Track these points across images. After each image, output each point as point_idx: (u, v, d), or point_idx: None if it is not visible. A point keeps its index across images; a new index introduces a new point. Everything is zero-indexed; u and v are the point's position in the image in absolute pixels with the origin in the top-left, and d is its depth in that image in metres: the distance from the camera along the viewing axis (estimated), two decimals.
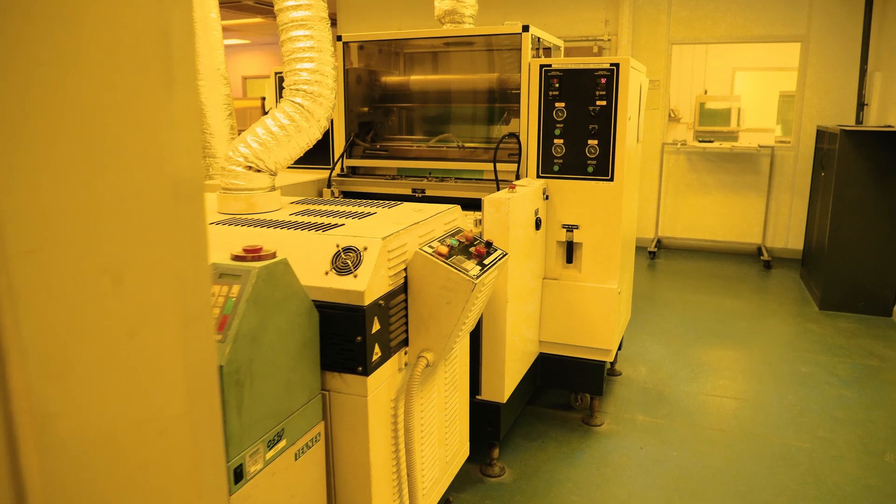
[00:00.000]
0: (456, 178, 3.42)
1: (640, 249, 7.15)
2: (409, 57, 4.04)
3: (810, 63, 6.57)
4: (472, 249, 1.94)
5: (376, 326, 1.68)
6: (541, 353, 3.35)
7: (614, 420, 3.43)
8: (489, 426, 2.86)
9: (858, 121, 6.33)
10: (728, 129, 9.41)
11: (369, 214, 2.05)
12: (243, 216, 2.06)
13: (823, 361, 4.20)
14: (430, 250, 1.80)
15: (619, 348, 3.96)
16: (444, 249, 1.81)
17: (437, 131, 3.75)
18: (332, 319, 1.65)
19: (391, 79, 3.78)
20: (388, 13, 7.99)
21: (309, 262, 1.71)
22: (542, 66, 3.09)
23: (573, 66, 3.04)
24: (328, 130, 3.66)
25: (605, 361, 3.26)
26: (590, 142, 3.07)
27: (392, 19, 7.94)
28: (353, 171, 3.72)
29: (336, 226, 1.88)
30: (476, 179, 3.37)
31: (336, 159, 3.50)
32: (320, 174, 3.62)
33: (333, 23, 9.70)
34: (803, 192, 6.67)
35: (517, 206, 2.71)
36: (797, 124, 6.73)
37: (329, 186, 3.45)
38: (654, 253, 6.91)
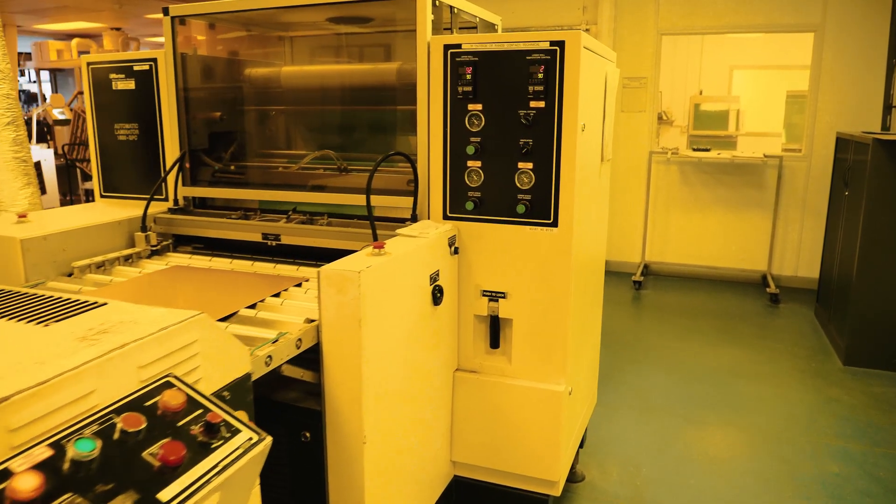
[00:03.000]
0: (330, 217, 2.30)
1: (623, 277, 6.05)
2: (298, 43, 2.93)
3: (825, 57, 5.48)
4: (155, 450, 0.82)
5: None
6: (456, 476, 2.25)
7: None
8: None
9: (885, 126, 5.24)
10: (726, 134, 8.36)
11: None
12: None
13: (859, 454, 3.10)
14: None
15: (581, 445, 2.85)
16: (28, 488, 0.69)
17: (323, 145, 2.64)
18: None
19: (257, 71, 2.67)
20: None
21: None
22: (446, 48, 1.99)
23: (494, 47, 1.94)
24: (159, 145, 2.54)
25: (548, 496, 2.15)
26: (521, 165, 1.97)
27: None
28: (202, 204, 2.60)
29: None
30: (361, 217, 2.27)
31: (155, 187, 2.37)
32: (154, 206, 2.50)
33: None
34: (816, 210, 5.57)
35: (380, 281, 1.60)
36: (809, 130, 5.63)
37: (144, 230, 2.33)
38: (640, 283, 5.81)
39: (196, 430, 0.88)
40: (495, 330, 2.10)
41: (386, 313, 1.64)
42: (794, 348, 4.43)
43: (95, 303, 1.16)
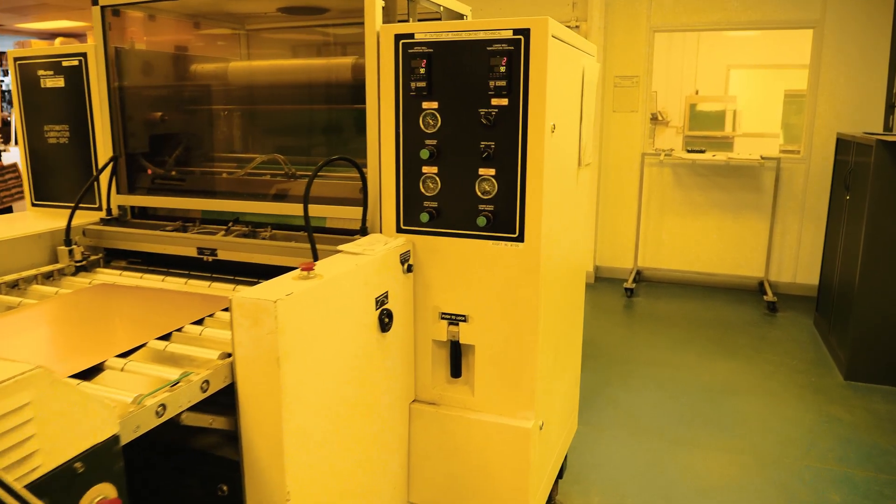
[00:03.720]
0: (275, 228, 2.07)
1: (615, 284, 5.82)
2: (255, 39, 2.69)
3: (825, 55, 5.25)
4: None
5: None
6: None
7: None
8: None
9: (888, 127, 5.02)
10: (722, 134, 8.13)
11: None
12: None
13: (863, 482, 2.86)
14: None
15: (561, 475, 2.62)
16: None
17: (273, 149, 2.41)
18: None
19: (203, 68, 2.43)
20: None
21: None
22: (398, 38, 1.75)
23: (451, 37, 1.70)
24: (91, 148, 2.31)
25: None
26: (482, 171, 1.73)
27: None
28: (142, 213, 2.37)
29: None
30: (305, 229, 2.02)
31: (80, 195, 2.12)
32: (87, 217, 2.27)
33: None
34: (815, 214, 5.35)
35: (307, 309, 1.36)
36: (808, 131, 5.40)
37: (68, 243, 2.09)
38: (632, 290, 5.57)
39: None
40: (456, 357, 1.87)
41: (316, 346, 1.40)
42: (792, 361, 4.20)
43: None
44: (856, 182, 4.11)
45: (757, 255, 5.63)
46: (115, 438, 0.99)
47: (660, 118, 9.18)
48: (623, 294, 5.58)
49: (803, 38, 5.58)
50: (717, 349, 4.39)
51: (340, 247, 1.67)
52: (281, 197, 2.10)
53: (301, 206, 1.93)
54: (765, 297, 5.28)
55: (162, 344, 1.46)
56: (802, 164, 5.43)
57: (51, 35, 12.72)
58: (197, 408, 1.30)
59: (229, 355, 1.37)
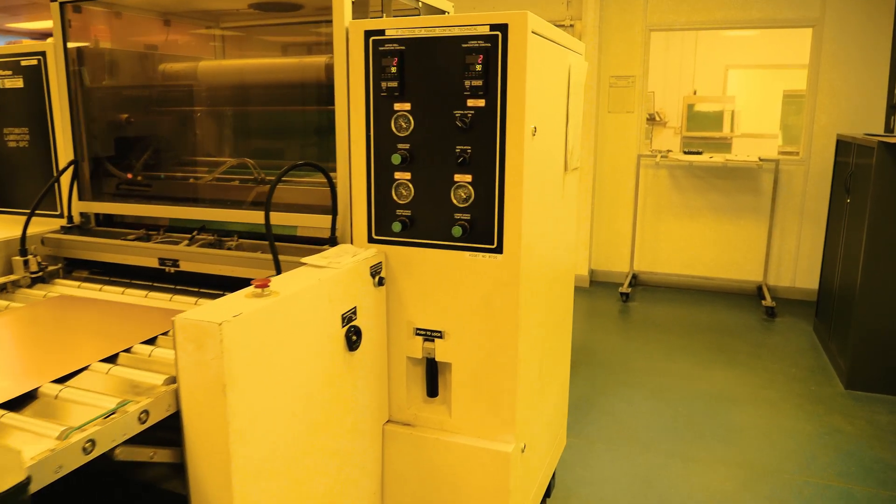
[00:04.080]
0: (242, 237, 1.95)
1: (610, 288, 5.71)
2: (231, 40, 2.58)
3: (825, 54, 5.13)
4: None
5: None
6: None
7: None
8: None
9: (888, 128, 4.90)
10: (720, 135, 8.03)
11: None
12: None
13: (865, 498, 2.74)
14: None
15: (549, 493, 2.50)
16: None
17: (243, 153, 2.29)
18: None
19: (171, 67, 2.31)
20: None
21: None
22: (367, 35, 1.63)
23: (423, 34, 1.58)
24: (52, 152, 2.19)
25: None
26: (458, 177, 1.61)
27: None
28: (108, 221, 2.25)
29: None
30: (280, 238, 1.91)
31: (36, 202, 2.00)
32: (48, 224, 2.16)
33: None
34: (815, 217, 5.23)
35: (258, 331, 1.25)
36: (808, 132, 5.28)
37: (23, 253, 1.97)
38: (628, 295, 5.45)
39: None
40: (432, 375, 1.75)
41: (270, 370, 1.28)
42: (791, 369, 4.08)
43: None
44: (857, 184, 3.99)
45: (755, 259, 5.52)
46: (21, 486, 0.87)
47: (657, 119, 9.08)
48: (618, 299, 5.46)
49: (802, 38, 5.47)
50: (713, 356, 4.28)
51: (304, 259, 1.55)
52: (249, 204, 1.99)
53: (281, 212, 1.83)
54: (763, 302, 5.16)
55: (105, 367, 1.34)
56: (802, 165, 5.31)
57: (42, 35, 12.59)
58: (139, 438, 1.19)
59: (176, 380, 1.25)
